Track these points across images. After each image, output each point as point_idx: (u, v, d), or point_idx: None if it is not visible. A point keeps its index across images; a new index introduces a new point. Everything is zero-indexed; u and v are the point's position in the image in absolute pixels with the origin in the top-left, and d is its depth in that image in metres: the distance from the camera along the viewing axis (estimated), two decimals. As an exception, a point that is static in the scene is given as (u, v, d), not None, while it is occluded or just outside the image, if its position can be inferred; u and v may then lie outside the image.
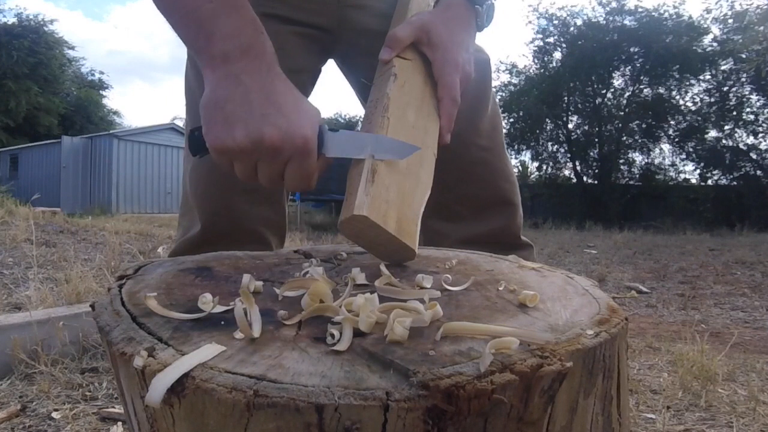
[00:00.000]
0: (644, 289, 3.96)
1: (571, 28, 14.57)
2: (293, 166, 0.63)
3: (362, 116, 0.96)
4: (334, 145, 0.65)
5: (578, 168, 14.94)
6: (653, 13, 13.42)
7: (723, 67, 12.97)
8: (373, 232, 0.62)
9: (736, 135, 13.27)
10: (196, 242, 0.98)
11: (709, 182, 13.66)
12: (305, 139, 0.61)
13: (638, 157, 14.95)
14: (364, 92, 1.05)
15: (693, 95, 13.84)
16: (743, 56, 11.68)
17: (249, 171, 0.64)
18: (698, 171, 13.99)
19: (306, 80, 1.03)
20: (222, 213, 0.97)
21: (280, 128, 0.60)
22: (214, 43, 0.64)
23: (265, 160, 0.63)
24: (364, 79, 0.86)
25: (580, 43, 14.08)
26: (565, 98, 14.86)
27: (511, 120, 15.21)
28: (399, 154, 0.66)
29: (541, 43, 15.09)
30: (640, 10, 13.57)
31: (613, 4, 13.90)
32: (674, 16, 13.31)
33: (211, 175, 0.94)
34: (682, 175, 14.61)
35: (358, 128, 0.82)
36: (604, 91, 14.63)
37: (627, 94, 14.49)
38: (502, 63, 15.79)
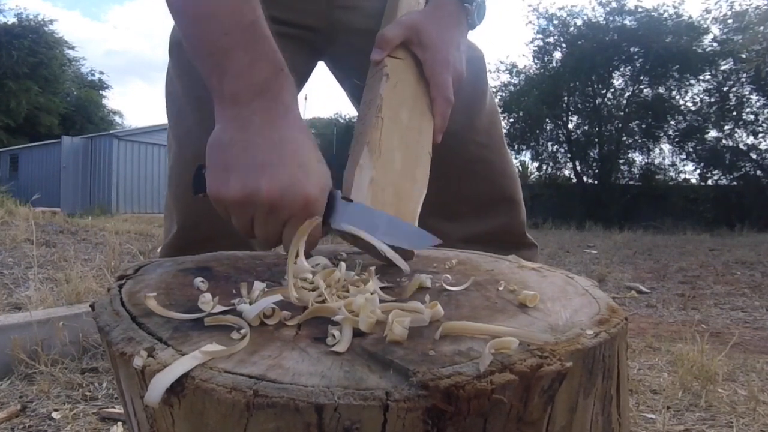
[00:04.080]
0: (644, 289, 3.96)
1: (571, 28, 14.55)
2: (292, 229, 0.54)
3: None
4: (344, 216, 0.57)
5: (578, 168, 14.93)
6: (653, 13, 13.40)
7: (723, 67, 12.95)
8: None
9: (736, 135, 13.26)
10: (174, 246, 0.91)
11: (709, 182, 13.64)
12: (308, 200, 0.53)
13: (638, 157, 14.94)
14: (356, 93, 1.04)
15: (693, 95, 13.83)
16: (743, 56, 11.67)
17: (245, 225, 0.57)
18: (698, 171, 13.98)
19: (294, 81, 1.03)
20: (201, 214, 0.86)
21: (281, 183, 0.53)
22: (225, 82, 0.58)
23: (260, 218, 0.55)
24: (357, 80, 0.85)
25: (580, 43, 14.06)
26: (565, 98, 14.84)
27: (511, 120, 15.18)
28: (412, 244, 0.57)
29: (541, 43, 15.08)
30: (640, 10, 13.56)
31: (613, 4, 13.88)
32: (674, 16, 13.29)
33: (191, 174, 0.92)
34: (682, 175, 14.59)
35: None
36: (604, 91, 14.61)
37: (627, 94, 14.47)
38: (502, 63, 15.75)
